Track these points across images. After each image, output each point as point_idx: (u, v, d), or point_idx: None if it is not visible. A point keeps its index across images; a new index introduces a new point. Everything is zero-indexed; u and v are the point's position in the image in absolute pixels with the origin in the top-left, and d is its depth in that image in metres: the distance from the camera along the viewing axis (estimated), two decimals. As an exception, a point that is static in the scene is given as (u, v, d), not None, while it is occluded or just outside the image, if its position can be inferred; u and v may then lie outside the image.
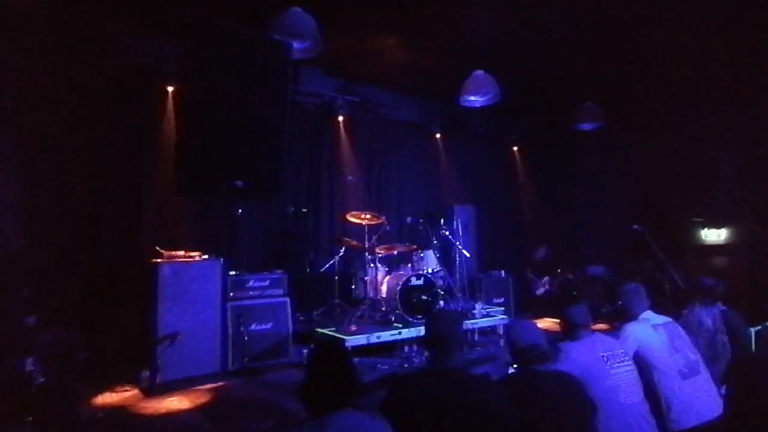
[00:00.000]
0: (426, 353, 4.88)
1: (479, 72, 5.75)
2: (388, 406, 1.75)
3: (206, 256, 4.50)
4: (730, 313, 3.44)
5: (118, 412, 3.53)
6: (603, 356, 2.27)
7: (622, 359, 2.31)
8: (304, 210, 5.00)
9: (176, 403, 3.67)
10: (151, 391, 3.89)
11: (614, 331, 2.89)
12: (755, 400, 1.04)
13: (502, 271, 6.95)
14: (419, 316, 5.03)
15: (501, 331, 5.67)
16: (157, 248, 4.32)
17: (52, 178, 4.48)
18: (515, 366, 2.18)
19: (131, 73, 4.87)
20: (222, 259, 4.51)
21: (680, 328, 2.93)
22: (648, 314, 2.93)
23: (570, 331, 2.48)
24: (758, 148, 6.58)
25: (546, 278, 7.41)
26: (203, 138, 2.68)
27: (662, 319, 2.93)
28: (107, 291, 4.60)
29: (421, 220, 5.60)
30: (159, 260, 4.19)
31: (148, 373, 4.00)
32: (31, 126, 4.30)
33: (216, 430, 3.18)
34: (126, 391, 3.97)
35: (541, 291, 7.38)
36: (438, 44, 5.85)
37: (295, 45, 4.44)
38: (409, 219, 5.74)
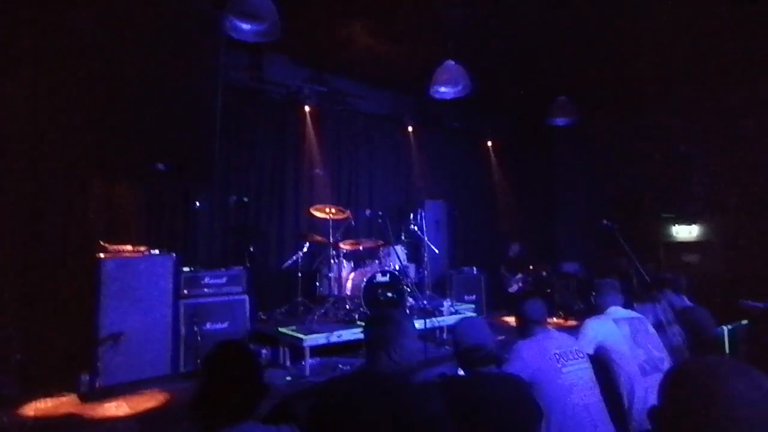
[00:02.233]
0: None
1: (450, 62, 5.57)
2: (314, 412, 1.58)
3: (157, 251, 4.24)
4: (696, 309, 3.32)
5: (49, 418, 3.26)
6: (555, 354, 2.11)
7: (575, 357, 2.15)
8: (245, 199, 4.73)
9: (114, 409, 3.40)
10: (90, 396, 3.62)
11: (570, 328, 2.76)
12: (687, 420, 0.85)
13: (474, 268, 6.82)
14: (384, 314, 4.85)
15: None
16: (101, 242, 4.05)
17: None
18: (461, 368, 2.00)
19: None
20: (174, 255, 4.26)
21: (647, 323, 2.82)
22: (613, 309, 2.81)
23: (524, 327, 2.32)
24: (730, 145, 6.56)
25: (519, 275, 7.30)
26: (121, 114, 2.42)
27: (627, 313, 2.82)
28: (48, 288, 4.28)
29: (380, 213, 5.38)
30: (102, 255, 3.92)
31: (87, 377, 3.73)
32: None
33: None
34: (63, 395, 3.69)
35: (514, 288, 7.27)
36: (409, 33, 5.66)
37: (252, 27, 4.21)
38: (367, 212, 5.52)
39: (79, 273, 4.15)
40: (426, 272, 5.68)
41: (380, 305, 4.89)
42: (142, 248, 4.22)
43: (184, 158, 2.61)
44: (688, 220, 7.09)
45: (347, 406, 1.45)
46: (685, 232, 7.24)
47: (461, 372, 2.18)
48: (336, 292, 5.14)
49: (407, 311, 5.02)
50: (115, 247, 4.09)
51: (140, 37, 2.51)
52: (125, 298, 3.94)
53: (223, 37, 2.76)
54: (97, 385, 3.69)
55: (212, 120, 2.63)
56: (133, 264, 4.04)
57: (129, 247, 4.16)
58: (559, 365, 2.07)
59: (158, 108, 2.50)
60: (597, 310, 2.80)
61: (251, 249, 3.88)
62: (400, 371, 1.62)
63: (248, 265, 4.52)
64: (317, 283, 5.53)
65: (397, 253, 5.21)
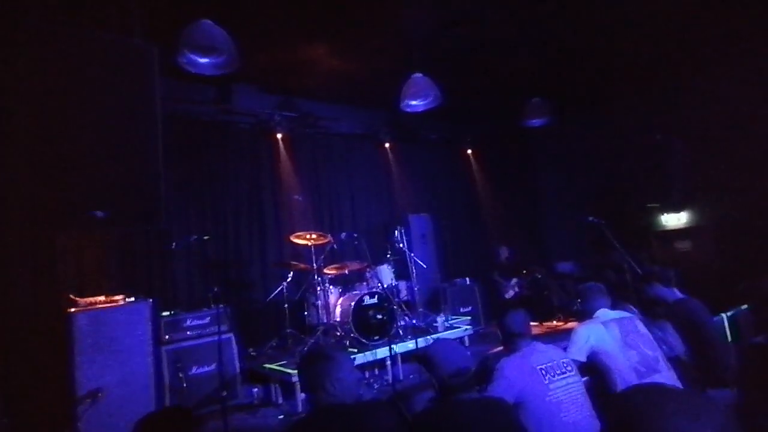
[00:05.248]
0: (388, 377, 4.57)
1: (417, 75, 5.53)
2: None
3: (132, 299, 4.09)
4: (690, 302, 3.22)
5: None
6: (541, 369, 1.98)
7: (563, 370, 2.02)
8: (206, 237, 4.60)
9: (95, 472, 3.20)
10: (73, 459, 3.42)
11: (570, 330, 2.66)
12: None
13: (467, 279, 6.68)
14: (376, 338, 4.70)
15: (467, 343, 5.37)
16: (71, 296, 3.89)
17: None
18: (438, 396, 1.85)
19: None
20: (150, 300, 4.10)
21: (638, 322, 2.70)
22: (601, 312, 2.70)
23: (508, 341, 2.19)
24: (704, 132, 6.55)
25: (514, 280, 7.16)
26: (55, 160, 2.29)
27: (616, 314, 2.70)
28: (21, 347, 4.09)
29: (355, 235, 5.26)
30: (73, 309, 3.76)
31: (69, 439, 3.54)
32: None
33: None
34: (45, 461, 3.50)
35: (510, 294, 7.11)
36: (372, 49, 5.63)
37: (210, 61, 4.15)
38: (343, 235, 5.38)
39: (53, 330, 3.98)
40: (416, 288, 5.53)
41: (371, 329, 4.74)
42: (117, 297, 4.06)
43: (125, 202, 2.47)
44: (674, 208, 7.02)
45: None
46: (674, 220, 7.17)
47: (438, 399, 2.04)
48: (325, 320, 4.98)
49: (399, 331, 4.87)
50: (87, 299, 3.93)
51: (76, 80, 2.39)
52: (101, 351, 3.77)
53: (157, 75, 2.65)
54: (78, 447, 3.50)
55: (155, 159, 2.50)
56: (106, 316, 3.86)
57: (101, 298, 4.00)
58: (546, 381, 1.93)
59: (92, 152, 2.37)
60: (585, 315, 2.68)
61: (215, 289, 3.74)
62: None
63: (212, 305, 4.36)
64: (305, 313, 5.36)
65: (379, 273, 5.07)
